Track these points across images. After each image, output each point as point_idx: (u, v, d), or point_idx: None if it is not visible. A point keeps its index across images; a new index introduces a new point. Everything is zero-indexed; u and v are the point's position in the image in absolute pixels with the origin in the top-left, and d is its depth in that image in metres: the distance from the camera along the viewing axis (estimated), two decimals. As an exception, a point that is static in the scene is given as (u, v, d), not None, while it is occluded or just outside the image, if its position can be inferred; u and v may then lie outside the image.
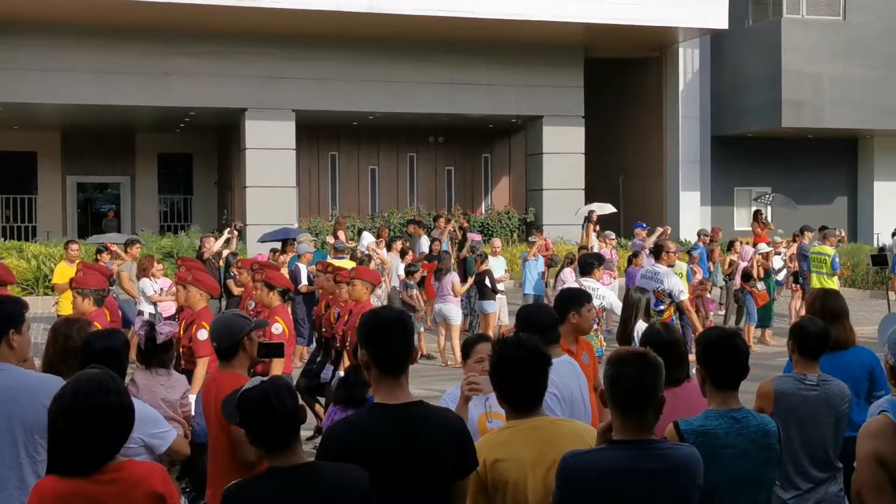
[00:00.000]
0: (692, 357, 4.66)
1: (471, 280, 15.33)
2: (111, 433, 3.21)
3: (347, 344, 8.64)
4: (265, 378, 3.40)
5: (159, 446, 4.82)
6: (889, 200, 28.83)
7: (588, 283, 9.49)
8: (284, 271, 14.89)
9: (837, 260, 16.55)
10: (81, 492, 3.17)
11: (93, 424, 3.16)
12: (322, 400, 9.41)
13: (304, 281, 14.57)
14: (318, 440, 9.29)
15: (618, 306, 10.07)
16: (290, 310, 11.44)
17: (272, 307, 8.01)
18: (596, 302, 9.10)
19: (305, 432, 8.65)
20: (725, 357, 3.95)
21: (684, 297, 10.20)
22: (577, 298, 5.68)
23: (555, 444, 3.57)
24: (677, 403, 4.09)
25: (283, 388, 3.31)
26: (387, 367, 3.58)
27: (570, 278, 15.41)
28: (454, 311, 14.82)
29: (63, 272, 13.90)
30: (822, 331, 4.91)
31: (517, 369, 3.72)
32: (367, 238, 19.22)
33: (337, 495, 3.22)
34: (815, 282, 16.38)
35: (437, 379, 12.14)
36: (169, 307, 13.49)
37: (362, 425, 3.52)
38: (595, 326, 9.02)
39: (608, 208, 23.90)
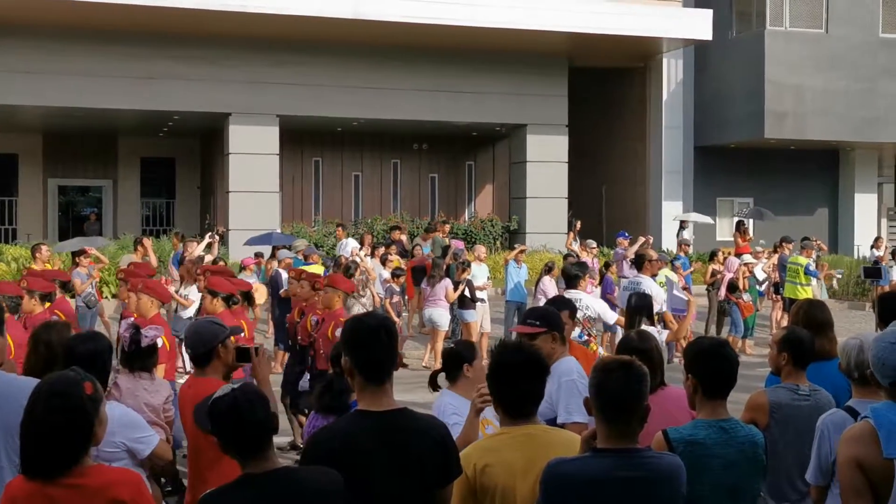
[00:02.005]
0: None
1: (462, 287, 15.34)
2: (66, 436, 3.17)
3: (321, 352, 8.61)
4: (236, 385, 3.38)
5: (141, 451, 4.80)
6: (869, 212, 29.03)
7: (572, 295, 9.40)
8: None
9: (812, 267, 16.68)
10: (44, 494, 3.15)
11: (48, 426, 3.14)
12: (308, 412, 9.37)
13: (285, 286, 14.53)
14: (291, 453, 9.27)
15: (606, 315, 10.02)
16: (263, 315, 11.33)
17: (216, 314, 7.78)
18: (579, 314, 9.05)
19: (280, 439, 8.63)
20: (717, 366, 3.97)
21: (664, 308, 10.12)
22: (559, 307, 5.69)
23: (547, 453, 3.56)
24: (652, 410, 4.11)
25: (254, 395, 3.29)
26: (370, 374, 3.57)
27: (549, 286, 15.46)
28: (444, 316, 14.86)
29: None
30: (812, 340, 4.96)
31: (516, 375, 3.72)
32: (351, 244, 19.21)
33: (312, 499, 3.21)
34: (789, 291, 16.54)
35: (421, 386, 12.13)
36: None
37: (346, 432, 3.50)
38: (586, 336, 8.97)
39: (704, 219, 24.20)
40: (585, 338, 8.94)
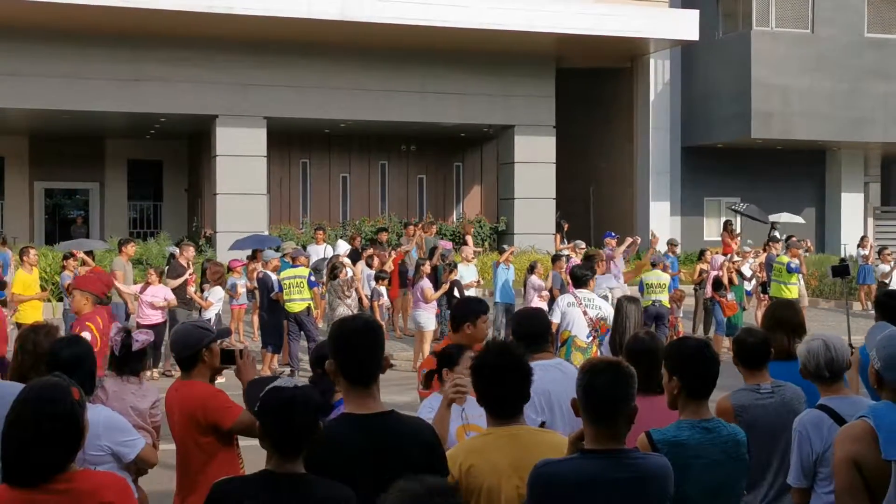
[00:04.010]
0: None
1: (445, 287, 15.34)
2: (56, 443, 3.13)
3: None
4: (299, 383, 3.37)
5: (127, 454, 4.77)
6: (856, 212, 29.15)
7: (584, 295, 9.36)
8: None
9: (793, 264, 16.79)
10: (32, 501, 3.11)
11: (37, 433, 3.10)
12: None
13: (276, 289, 14.51)
14: None
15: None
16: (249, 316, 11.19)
17: None
18: (592, 313, 9.04)
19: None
20: (701, 368, 3.98)
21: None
22: (474, 311, 5.57)
23: (532, 454, 3.55)
24: (654, 413, 4.11)
25: (311, 399, 3.29)
26: (354, 376, 3.58)
27: (537, 282, 15.54)
28: (424, 316, 14.87)
29: (22, 280, 13.74)
30: (758, 341, 4.94)
31: (499, 376, 3.72)
32: (343, 246, 19.16)
33: None
34: (775, 290, 16.70)
35: (410, 388, 12.13)
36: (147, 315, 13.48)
37: (332, 436, 3.48)
38: (590, 338, 8.95)
39: (795, 219, 24.29)
40: (592, 338, 8.91)
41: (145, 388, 5.65)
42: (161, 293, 13.67)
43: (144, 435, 5.24)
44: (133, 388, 5.53)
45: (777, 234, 22.68)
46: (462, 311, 5.61)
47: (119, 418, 4.87)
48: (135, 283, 15.44)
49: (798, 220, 25.63)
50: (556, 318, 9.04)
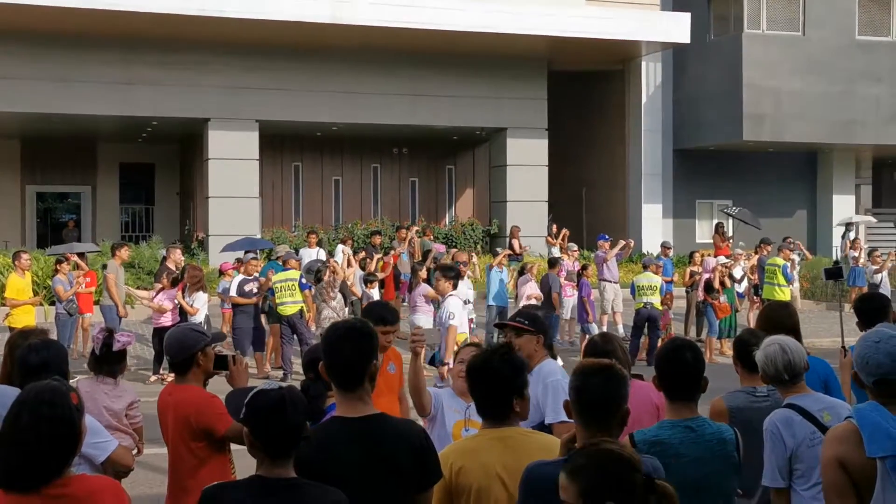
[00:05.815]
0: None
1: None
2: (54, 447, 3.13)
3: None
4: (284, 385, 3.37)
5: (97, 456, 4.70)
6: (847, 214, 29.20)
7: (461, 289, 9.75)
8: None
9: (789, 270, 16.85)
10: None
11: (35, 437, 3.09)
12: None
13: (235, 293, 14.50)
14: None
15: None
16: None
17: None
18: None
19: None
20: (673, 369, 4.04)
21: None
22: (373, 317, 5.58)
23: (523, 456, 3.57)
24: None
25: (299, 398, 3.29)
26: (337, 379, 3.59)
27: (528, 285, 15.69)
28: (422, 320, 14.91)
29: (15, 284, 13.70)
30: (759, 343, 4.98)
31: (485, 379, 3.75)
32: (340, 249, 19.15)
33: None
34: (767, 292, 16.74)
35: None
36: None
37: (321, 439, 3.49)
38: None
39: (868, 219, 24.34)
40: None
41: (121, 388, 5.62)
42: (167, 298, 13.73)
43: (120, 437, 5.20)
44: (107, 389, 5.50)
45: (852, 234, 22.78)
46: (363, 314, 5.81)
47: (89, 419, 4.82)
48: (126, 285, 15.43)
49: (870, 220, 25.67)
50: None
